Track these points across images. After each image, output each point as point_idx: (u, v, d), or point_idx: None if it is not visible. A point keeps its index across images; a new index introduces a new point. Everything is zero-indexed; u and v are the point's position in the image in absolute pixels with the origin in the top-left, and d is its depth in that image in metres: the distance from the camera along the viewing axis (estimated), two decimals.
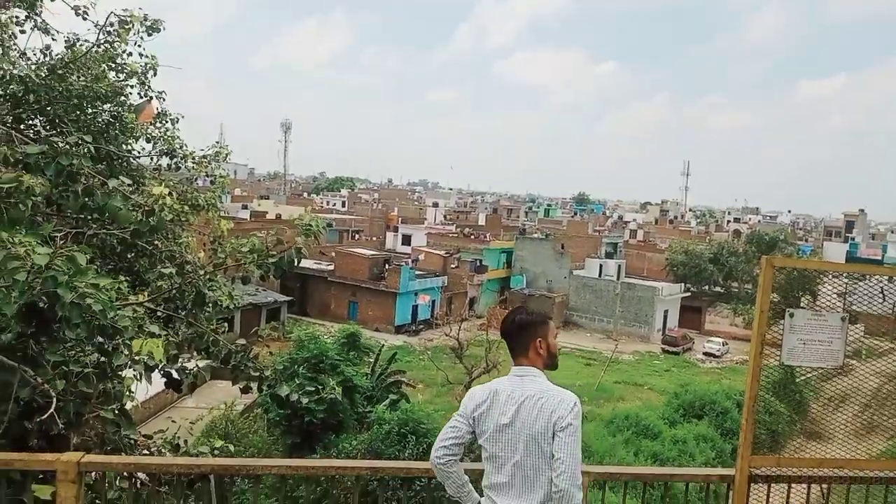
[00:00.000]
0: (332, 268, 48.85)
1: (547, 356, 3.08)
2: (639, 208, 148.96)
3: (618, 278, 55.10)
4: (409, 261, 52.15)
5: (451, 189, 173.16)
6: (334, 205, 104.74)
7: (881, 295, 4.11)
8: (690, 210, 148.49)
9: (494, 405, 2.99)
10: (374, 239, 65.48)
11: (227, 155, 7.00)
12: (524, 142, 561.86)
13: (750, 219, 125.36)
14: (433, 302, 48.91)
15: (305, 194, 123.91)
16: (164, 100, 6.85)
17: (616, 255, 61.84)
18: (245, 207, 69.43)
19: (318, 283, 48.72)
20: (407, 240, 63.16)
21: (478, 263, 55.53)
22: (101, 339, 3.87)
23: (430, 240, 61.09)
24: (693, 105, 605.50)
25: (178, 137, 6.89)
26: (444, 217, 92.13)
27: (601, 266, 56.73)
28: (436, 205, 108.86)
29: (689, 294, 57.27)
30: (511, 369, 3.11)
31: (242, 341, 5.08)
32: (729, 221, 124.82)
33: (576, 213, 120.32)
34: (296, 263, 4.79)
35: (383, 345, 27.93)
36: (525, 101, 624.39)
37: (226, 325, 5.30)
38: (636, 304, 52.32)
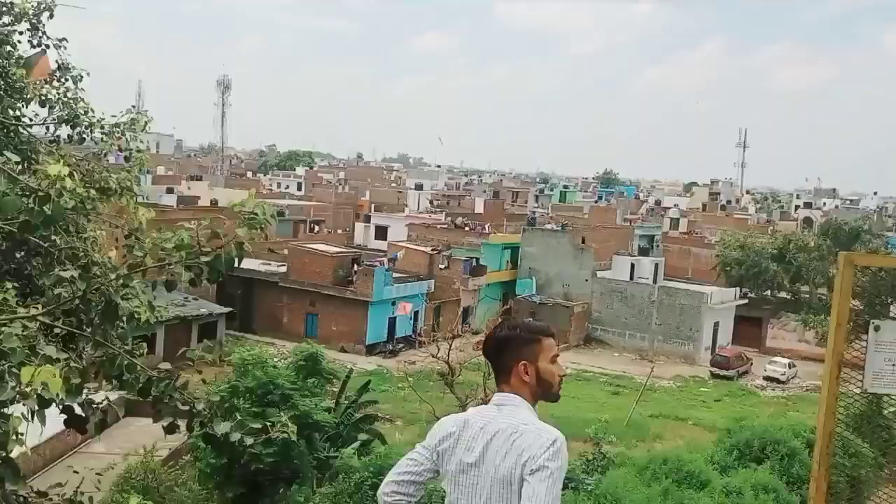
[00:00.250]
0: (284, 270, 48.82)
1: (536, 383, 3.02)
2: (681, 191, 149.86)
3: (654, 281, 55.48)
4: (385, 260, 52.19)
5: (439, 167, 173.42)
6: (287, 187, 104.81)
7: None
8: (748, 192, 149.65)
9: (461, 439, 2.98)
10: (340, 232, 65.62)
11: (147, 123, 6.98)
12: (534, 104, 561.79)
13: (825, 203, 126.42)
14: (416, 313, 48.99)
15: (250, 174, 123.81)
16: (64, 49, 6.82)
17: (652, 251, 62.19)
18: (171, 191, 69.58)
19: (267, 290, 48.68)
20: (382, 233, 63.34)
21: (474, 263, 55.67)
22: None
23: (412, 233, 61.15)
24: (753, 55, 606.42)
25: (83, 100, 6.86)
26: (431, 203, 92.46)
27: (633, 265, 57.04)
28: (419, 187, 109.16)
29: (746, 301, 57.77)
30: (493, 397, 3.12)
31: (167, 366, 5.06)
32: (797, 207, 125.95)
33: (600, 198, 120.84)
34: (237, 264, 4.77)
35: (351, 369, 27.87)
36: (536, 50, 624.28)
37: (145, 345, 5.29)
38: (678, 315, 52.62)
